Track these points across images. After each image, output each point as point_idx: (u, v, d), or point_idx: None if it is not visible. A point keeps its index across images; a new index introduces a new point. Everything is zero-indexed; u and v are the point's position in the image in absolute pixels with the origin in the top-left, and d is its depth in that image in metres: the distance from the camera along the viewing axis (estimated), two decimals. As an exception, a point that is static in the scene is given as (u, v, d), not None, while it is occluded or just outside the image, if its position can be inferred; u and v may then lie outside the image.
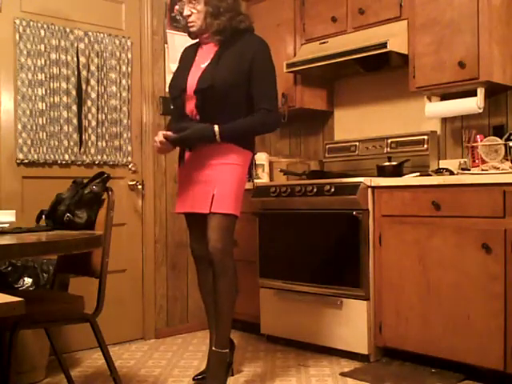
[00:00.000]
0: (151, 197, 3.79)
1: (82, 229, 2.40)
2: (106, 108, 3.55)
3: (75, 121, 3.42)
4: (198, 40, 2.81)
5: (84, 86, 3.45)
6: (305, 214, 3.36)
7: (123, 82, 3.64)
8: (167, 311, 3.87)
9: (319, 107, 4.05)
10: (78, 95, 3.43)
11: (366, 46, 3.34)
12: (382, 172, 3.37)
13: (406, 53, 3.33)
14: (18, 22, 3.22)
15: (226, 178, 2.64)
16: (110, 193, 2.45)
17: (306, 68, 3.71)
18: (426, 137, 3.49)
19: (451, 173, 3.13)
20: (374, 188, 3.11)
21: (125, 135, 3.66)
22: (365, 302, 3.09)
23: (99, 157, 3.53)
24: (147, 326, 3.77)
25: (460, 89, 3.18)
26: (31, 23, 3.26)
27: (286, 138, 4.43)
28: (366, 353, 3.11)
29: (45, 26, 3.31)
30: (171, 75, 2.92)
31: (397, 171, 3.32)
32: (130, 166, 3.70)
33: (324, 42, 3.72)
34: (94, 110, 3.50)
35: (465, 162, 3.27)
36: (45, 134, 3.31)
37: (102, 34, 3.54)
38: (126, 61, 3.66)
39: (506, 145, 3.08)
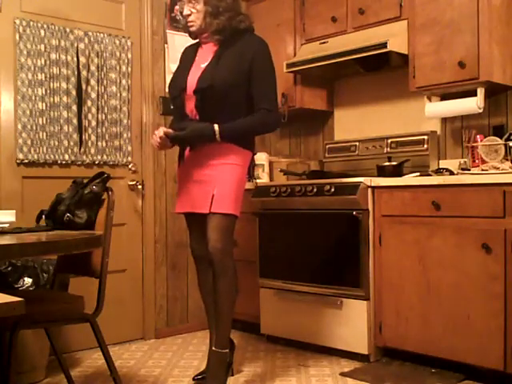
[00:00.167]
0: (151, 197, 3.79)
1: (82, 229, 2.40)
2: (106, 108, 3.55)
3: (75, 121, 3.42)
4: (198, 40, 2.81)
5: (84, 86, 3.45)
6: (305, 214, 3.36)
7: (123, 82, 3.64)
8: (167, 311, 3.87)
9: (319, 107, 4.05)
10: (78, 95, 3.43)
11: (366, 46, 3.34)
12: (382, 172, 3.37)
13: (406, 53, 3.33)
14: (18, 21, 3.22)
15: (225, 178, 2.64)
16: (109, 193, 2.45)
17: (306, 68, 3.71)
18: (426, 137, 3.49)
19: (451, 173, 3.13)
20: (373, 188, 3.11)
21: (125, 135, 3.66)
22: (365, 301, 3.09)
23: (99, 157, 3.53)
24: (147, 326, 3.77)
25: (460, 89, 3.18)
26: (31, 23, 3.26)
27: (286, 138, 4.43)
28: (365, 353, 3.11)
29: (45, 26, 3.31)
30: (171, 75, 2.92)
31: (397, 171, 3.32)
32: (130, 166, 3.70)
33: (324, 42, 3.72)
34: (94, 109, 3.50)
35: (465, 161, 3.27)
36: (45, 133, 3.31)
37: (101, 34, 3.54)
38: (126, 61, 3.66)
39: (506, 145, 3.08)
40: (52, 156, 3.34)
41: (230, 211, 2.63)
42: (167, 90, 3.11)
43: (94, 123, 3.50)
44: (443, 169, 3.20)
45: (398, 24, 3.36)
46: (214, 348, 2.69)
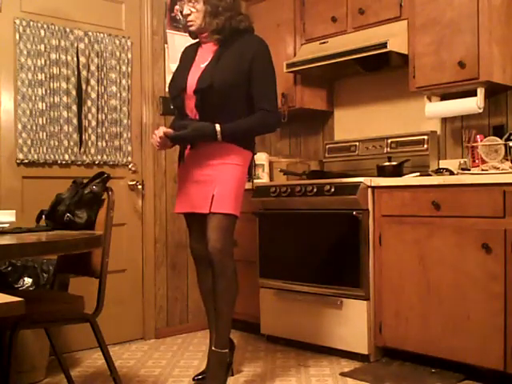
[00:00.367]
0: (151, 197, 3.79)
1: (82, 229, 2.40)
2: (105, 108, 3.55)
3: (75, 121, 3.42)
4: (198, 39, 2.81)
5: (84, 86, 3.45)
6: (305, 214, 3.36)
7: (123, 82, 3.64)
8: (167, 311, 3.87)
9: (319, 107, 4.05)
10: (78, 95, 3.43)
11: (366, 46, 3.34)
12: (382, 172, 3.37)
13: (406, 53, 3.33)
14: (18, 21, 3.22)
15: (226, 178, 2.64)
16: (109, 193, 2.45)
17: (306, 68, 3.71)
18: (426, 137, 3.49)
19: (451, 173, 3.13)
20: (373, 188, 3.11)
21: (125, 135, 3.66)
22: (365, 301, 3.09)
23: (99, 157, 3.53)
24: (147, 326, 3.77)
25: (460, 89, 3.18)
26: (31, 23, 3.26)
27: (286, 138, 4.43)
28: (366, 353, 3.11)
29: (45, 26, 3.31)
30: (171, 75, 2.92)
31: (397, 171, 3.32)
32: (130, 166, 3.70)
33: (324, 42, 3.72)
34: (94, 109, 3.50)
35: (465, 161, 3.27)
36: (45, 133, 3.31)
37: (101, 34, 3.54)
38: (126, 61, 3.66)
39: (506, 145, 3.08)
40: (52, 156, 3.34)
41: (231, 211, 2.63)
42: (167, 89, 3.11)
43: (94, 123, 3.50)
44: (443, 169, 3.20)
45: (398, 24, 3.36)
46: (213, 348, 2.69)
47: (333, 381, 2.89)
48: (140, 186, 3.74)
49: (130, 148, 3.68)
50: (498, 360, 2.63)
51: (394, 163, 3.40)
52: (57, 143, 3.36)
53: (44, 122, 3.30)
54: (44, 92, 3.30)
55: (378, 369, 3.02)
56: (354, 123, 4.00)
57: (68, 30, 3.39)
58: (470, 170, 3.09)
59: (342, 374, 2.96)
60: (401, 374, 2.93)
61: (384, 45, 3.25)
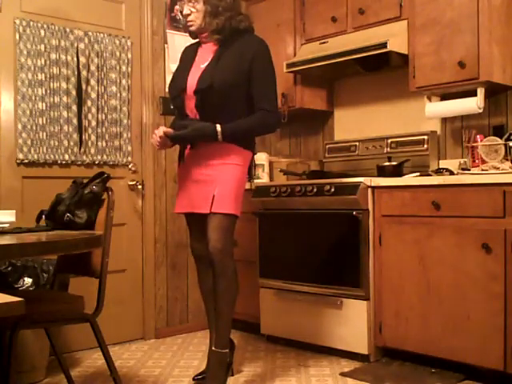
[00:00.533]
0: (151, 197, 3.79)
1: (82, 229, 2.40)
2: (106, 108, 3.55)
3: (75, 121, 3.42)
4: (198, 39, 2.81)
5: (84, 86, 3.45)
6: (305, 214, 3.36)
7: (123, 82, 3.64)
8: (167, 311, 3.87)
9: (319, 107, 4.05)
10: (78, 95, 3.43)
11: (366, 46, 3.34)
12: (382, 172, 3.37)
13: (406, 53, 3.33)
14: (18, 22, 3.22)
15: (226, 178, 2.64)
16: (110, 193, 2.45)
17: (306, 68, 3.71)
18: (426, 137, 3.49)
19: (451, 173, 3.13)
20: (373, 188, 3.11)
21: (125, 135, 3.66)
22: (365, 301, 3.09)
23: (99, 157, 3.53)
24: (147, 326, 3.77)
25: (460, 89, 3.18)
26: (31, 23, 3.26)
27: (286, 138, 4.43)
28: (366, 353, 3.11)
29: (45, 26, 3.31)
30: (171, 75, 2.92)
31: (397, 171, 3.32)
32: (130, 166, 3.70)
33: (324, 42, 3.72)
34: (94, 109, 3.50)
35: (465, 161, 3.27)
36: (45, 133, 3.31)
37: (101, 34, 3.54)
38: (126, 61, 3.66)
39: (506, 145, 3.08)
40: (52, 156, 3.34)
41: (231, 211, 2.63)
42: (167, 89, 3.11)
43: (94, 123, 3.50)
44: (443, 169, 3.20)
45: (398, 24, 3.36)
46: (213, 348, 2.69)
47: (333, 381, 2.89)
48: (140, 186, 3.74)
49: (130, 148, 3.68)
50: (497, 360, 2.63)
51: (394, 163, 3.40)
52: (57, 143, 3.36)
53: (44, 122, 3.30)
54: (44, 92, 3.30)
55: (378, 369, 3.02)
56: (354, 123, 4.00)
57: (68, 29, 3.39)
58: (470, 169, 3.09)
59: (342, 374, 2.96)
60: (401, 374, 2.93)
61: (384, 45, 3.25)
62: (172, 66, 3.79)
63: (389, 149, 3.65)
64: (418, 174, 3.18)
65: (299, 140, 4.35)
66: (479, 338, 2.69)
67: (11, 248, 1.82)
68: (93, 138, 3.50)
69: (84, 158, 3.47)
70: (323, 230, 3.26)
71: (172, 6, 3.91)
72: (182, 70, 2.80)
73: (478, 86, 3.08)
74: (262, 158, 3.96)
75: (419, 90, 3.30)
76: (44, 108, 3.30)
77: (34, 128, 3.27)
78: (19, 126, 3.22)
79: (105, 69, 3.55)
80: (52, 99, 3.33)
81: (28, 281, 2.85)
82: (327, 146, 4.04)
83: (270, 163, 4.02)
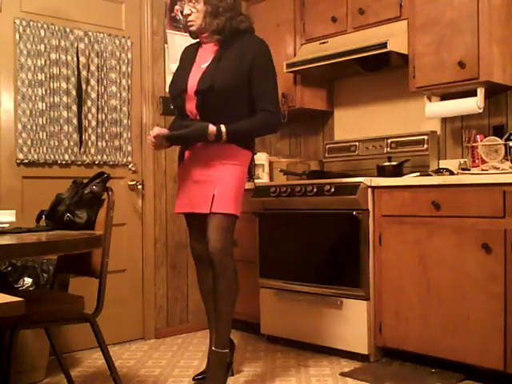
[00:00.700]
0: (151, 197, 3.79)
1: (82, 229, 2.40)
2: (106, 108, 3.55)
3: (75, 121, 3.42)
4: (198, 40, 2.81)
5: (84, 86, 3.45)
6: (305, 214, 3.36)
7: (123, 82, 3.64)
8: (167, 311, 3.87)
9: (319, 107, 4.05)
10: (78, 95, 3.43)
11: (366, 46, 3.34)
12: (382, 172, 3.37)
13: (406, 53, 3.33)
14: (18, 22, 3.22)
15: (226, 178, 2.64)
16: (110, 193, 2.45)
17: (306, 68, 3.71)
18: (426, 137, 3.49)
19: (451, 173, 3.13)
20: (374, 188, 3.11)
21: (125, 135, 3.66)
22: (365, 301, 3.09)
23: (99, 157, 3.53)
24: (147, 326, 3.77)
25: (460, 89, 3.18)
26: (31, 23, 3.26)
27: (286, 138, 4.43)
28: (366, 353, 3.11)
29: (45, 26, 3.31)
30: (171, 75, 2.92)
31: (397, 171, 3.32)
32: (130, 166, 3.70)
33: (324, 42, 3.72)
34: (94, 109, 3.50)
35: (465, 161, 3.27)
36: (45, 133, 3.31)
37: (101, 34, 3.54)
38: (126, 61, 3.66)
39: (506, 145, 3.08)
40: (52, 156, 3.34)
41: (231, 211, 2.63)
42: (167, 90, 3.11)
43: (94, 123, 3.50)
44: (443, 169, 3.20)
45: (398, 24, 3.36)
46: (213, 348, 2.69)
47: (333, 381, 2.89)
48: (140, 186, 3.74)
49: (130, 148, 3.68)
50: (498, 360, 2.63)
51: (394, 163, 3.40)
52: (57, 143, 3.36)
53: (44, 122, 3.30)
54: (44, 92, 3.30)
55: (378, 369, 3.02)
56: (354, 123, 4.00)
57: (68, 29, 3.39)
58: (470, 169, 3.09)
59: (342, 374, 2.96)
60: (401, 374, 2.93)
61: (384, 45, 3.25)
62: (172, 66, 3.79)
63: (389, 149, 3.65)
64: (418, 173, 3.18)
65: (299, 140, 4.35)
66: (479, 338, 2.69)
67: (11, 248, 1.82)
68: (93, 138, 3.50)
69: (84, 158, 3.47)
70: (323, 230, 3.26)
71: (172, 6, 3.91)
72: (182, 70, 2.80)
73: (478, 85, 3.08)
74: (262, 158, 3.96)
75: (419, 90, 3.30)
76: (44, 108, 3.30)
77: (34, 128, 3.27)
78: (19, 126, 3.22)
79: (105, 69, 3.55)
80: (52, 99, 3.33)
81: (28, 281, 2.85)
82: (327, 146, 4.04)
83: (270, 163, 4.02)
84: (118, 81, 3.61)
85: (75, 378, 2.83)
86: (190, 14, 2.69)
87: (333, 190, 3.17)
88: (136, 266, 3.74)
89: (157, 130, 2.66)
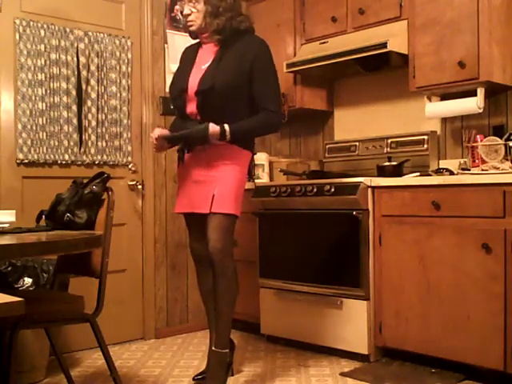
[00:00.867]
0: (151, 197, 3.79)
1: (82, 229, 2.40)
2: (106, 108, 3.55)
3: (75, 121, 3.42)
4: (198, 40, 2.81)
5: (84, 86, 3.45)
6: (305, 214, 3.36)
7: (123, 82, 3.64)
8: (167, 311, 3.87)
9: (319, 107, 4.05)
10: (78, 95, 3.43)
11: (366, 46, 3.34)
12: (382, 172, 3.37)
13: (406, 53, 3.33)
14: (18, 22, 3.22)
15: (226, 178, 2.64)
16: (110, 193, 2.45)
17: (306, 68, 3.71)
18: (426, 137, 3.49)
19: (451, 173, 3.13)
20: (373, 188, 3.11)
21: (125, 135, 3.66)
22: (365, 301, 3.09)
23: (99, 157, 3.53)
24: (147, 326, 3.77)
25: (460, 89, 3.18)
26: (31, 23, 3.26)
27: (286, 138, 4.43)
28: (366, 353, 3.11)
29: (45, 26, 3.31)
30: (171, 75, 2.92)
31: (397, 171, 3.32)
32: (130, 166, 3.70)
33: (324, 42, 3.72)
34: (94, 109, 3.50)
35: (465, 161, 3.27)
36: (45, 133, 3.31)
37: (101, 34, 3.54)
38: (126, 61, 3.66)
39: (506, 145, 3.08)
40: (52, 156, 3.34)
41: (231, 211, 2.63)
42: (168, 90, 3.11)
43: (94, 123, 3.50)
44: (443, 169, 3.20)
45: (398, 24, 3.36)
46: (213, 348, 2.69)
47: (333, 381, 2.89)
48: (140, 186, 3.75)
49: (130, 148, 3.68)
50: (498, 360, 2.63)
51: (394, 163, 3.40)
52: (57, 143, 3.36)
53: (44, 122, 3.30)
54: (44, 92, 3.30)
55: (378, 369, 3.02)
56: (354, 123, 4.00)
57: (68, 29, 3.39)
58: (470, 169, 3.09)
59: (342, 374, 2.96)
60: (401, 374, 2.93)
61: (384, 45, 3.25)
62: (172, 66, 3.79)
63: (389, 149, 3.65)
64: (418, 174, 3.18)
65: (299, 140, 4.35)
66: (479, 338, 2.69)
67: (11, 248, 1.82)
68: (93, 138, 3.50)
69: (84, 158, 3.47)
70: (323, 230, 3.26)
71: (172, 5, 3.91)
72: (182, 70, 2.80)
73: (477, 85, 3.08)
74: (262, 157, 3.96)
75: (419, 90, 3.30)
76: (44, 108, 3.30)
77: (34, 128, 3.27)
78: (19, 126, 3.22)
79: (105, 69, 3.55)
80: (52, 99, 3.33)
81: (28, 281, 2.85)
82: (327, 146, 4.04)
83: (270, 163, 4.02)
84: (118, 81, 3.61)
85: (75, 378, 2.83)
86: (189, 14, 2.69)
87: (333, 189, 3.17)
88: (136, 266, 3.74)
89: (158, 132, 2.67)
